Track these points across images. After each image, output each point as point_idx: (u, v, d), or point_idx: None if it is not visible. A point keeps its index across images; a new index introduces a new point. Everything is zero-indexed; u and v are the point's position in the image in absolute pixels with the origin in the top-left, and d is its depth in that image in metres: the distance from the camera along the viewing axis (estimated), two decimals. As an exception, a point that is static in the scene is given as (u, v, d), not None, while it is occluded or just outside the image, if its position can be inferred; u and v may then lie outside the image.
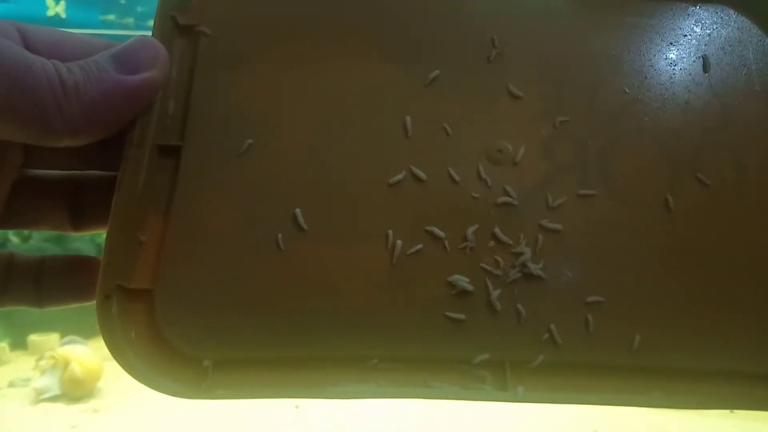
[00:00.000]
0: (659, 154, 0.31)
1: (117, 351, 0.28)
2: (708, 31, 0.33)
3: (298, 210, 0.30)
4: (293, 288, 0.29)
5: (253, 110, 0.31)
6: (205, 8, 0.33)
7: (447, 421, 1.32)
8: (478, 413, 1.31)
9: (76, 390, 1.41)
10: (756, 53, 0.33)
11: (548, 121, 0.32)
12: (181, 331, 0.29)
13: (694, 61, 0.32)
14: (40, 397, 1.38)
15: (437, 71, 0.32)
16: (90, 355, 1.45)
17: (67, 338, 1.50)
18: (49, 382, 1.37)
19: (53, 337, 1.80)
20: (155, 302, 0.29)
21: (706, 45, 0.33)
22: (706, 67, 0.33)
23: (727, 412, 1.33)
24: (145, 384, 0.28)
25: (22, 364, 1.73)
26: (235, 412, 1.37)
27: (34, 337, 1.85)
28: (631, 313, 0.29)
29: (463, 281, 0.29)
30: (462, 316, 0.29)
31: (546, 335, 0.29)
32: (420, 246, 0.30)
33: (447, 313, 0.29)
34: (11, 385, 1.52)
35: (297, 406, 1.38)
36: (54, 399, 1.41)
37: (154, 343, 0.28)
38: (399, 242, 0.30)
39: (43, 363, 1.43)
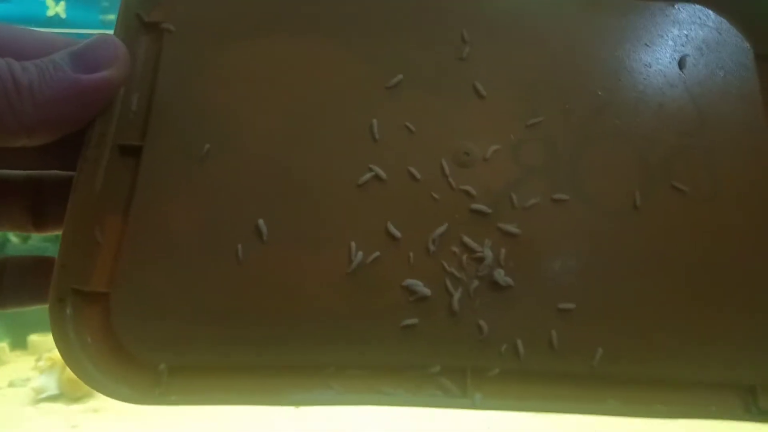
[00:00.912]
0: (632, 158, 0.31)
1: (70, 356, 0.27)
2: (685, 32, 0.32)
3: (258, 216, 0.29)
4: (252, 294, 0.29)
5: (215, 112, 0.31)
6: (172, 5, 0.32)
7: (448, 425, 1.32)
8: (480, 418, 1.31)
9: (75, 390, 1.41)
10: (733, 55, 0.32)
11: (518, 123, 0.31)
12: (137, 336, 0.28)
13: (669, 63, 0.32)
14: (39, 397, 1.38)
15: (404, 72, 0.31)
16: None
17: (65, 338, 1.49)
18: (47, 382, 1.37)
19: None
20: (111, 306, 0.28)
21: (682, 46, 0.32)
22: (681, 68, 0.32)
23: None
24: (99, 390, 0.27)
25: (22, 364, 1.73)
26: (234, 413, 1.37)
27: (34, 337, 1.86)
28: (597, 321, 0.29)
29: (419, 286, 0.29)
30: (417, 322, 0.28)
31: (506, 345, 0.28)
32: (380, 251, 0.29)
33: (405, 320, 0.29)
34: (11, 385, 1.53)
35: (297, 406, 1.38)
36: (53, 399, 1.41)
37: (108, 348, 0.28)
38: (358, 247, 0.29)
39: (41, 364, 1.43)
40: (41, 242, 1.89)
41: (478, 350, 0.28)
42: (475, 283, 0.29)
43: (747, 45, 0.32)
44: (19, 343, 1.86)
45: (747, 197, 0.30)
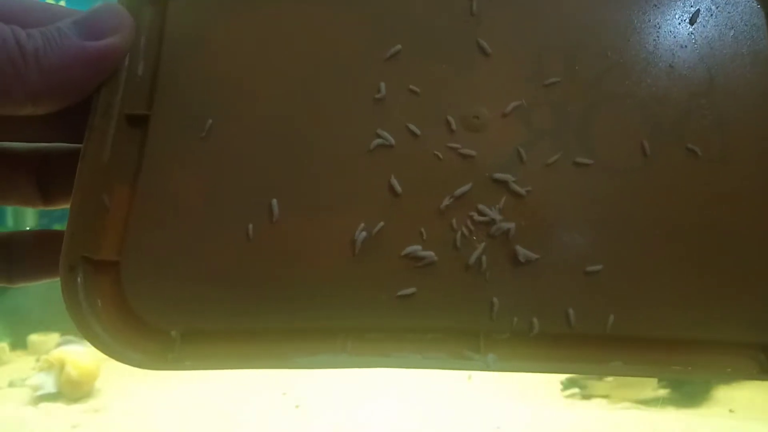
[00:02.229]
0: (643, 120, 0.30)
1: (82, 324, 0.27)
2: None
3: (267, 185, 0.29)
4: (261, 261, 0.29)
5: (221, 80, 0.31)
6: None
7: (450, 420, 1.32)
8: (481, 412, 1.31)
9: (74, 391, 1.41)
10: (744, 14, 0.31)
11: (527, 86, 0.31)
12: (149, 303, 0.28)
13: (679, 24, 0.31)
14: (35, 394, 1.38)
15: (411, 35, 0.31)
16: (86, 355, 1.45)
17: (63, 338, 1.50)
18: (44, 379, 1.37)
19: (53, 337, 1.80)
20: (122, 274, 0.28)
21: (692, 6, 0.32)
22: (691, 28, 0.32)
23: (727, 412, 1.31)
24: (112, 356, 0.27)
25: (22, 364, 1.73)
26: (234, 412, 1.37)
27: (34, 337, 1.85)
28: (611, 284, 0.28)
29: (429, 252, 0.28)
30: (426, 287, 0.28)
31: (517, 318, 0.28)
32: (390, 217, 0.29)
33: (415, 285, 0.28)
34: (11, 385, 1.52)
35: (297, 406, 1.38)
36: (54, 399, 1.41)
37: (120, 315, 0.28)
38: (368, 213, 0.29)
39: (39, 365, 1.43)
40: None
41: (489, 317, 0.28)
42: (485, 247, 0.29)
43: (757, 5, 0.32)
44: (19, 343, 1.86)
45: (759, 158, 0.30)
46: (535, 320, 0.28)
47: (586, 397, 1.32)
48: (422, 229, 0.29)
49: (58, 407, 1.39)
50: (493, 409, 1.33)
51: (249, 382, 1.53)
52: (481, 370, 0.27)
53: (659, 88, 0.31)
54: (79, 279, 0.28)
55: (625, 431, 1.17)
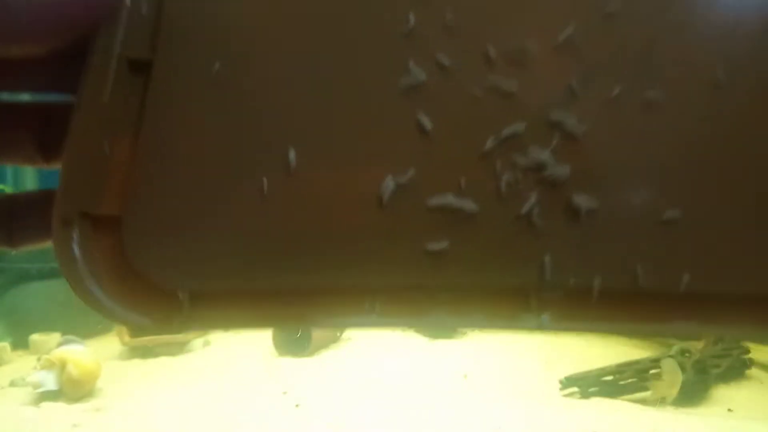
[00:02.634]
0: (710, 52, 0.27)
1: (79, 286, 0.26)
2: None
3: (284, 135, 0.27)
4: (278, 214, 0.27)
5: (232, 20, 0.28)
6: None
7: (451, 421, 1.32)
8: (480, 412, 1.31)
9: (75, 391, 1.41)
10: None
11: (579, 13, 0.27)
12: (154, 262, 0.26)
13: None
14: (36, 391, 1.38)
15: None
16: (87, 355, 1.45)
17: (64, 338, 1.50)
18: (44, 377, 1.37)
19: (54, 337, 1.81)
20: (124, 230, 0.26)
21: None
22: None
23: (725, 411, 1.31)
24: (114, 320, 0.26)
25: (23, 364, 1.74)
26: (234, 412, 1.37)
27: (35, 337, 1.86)
28: (686, 237, 0.26)
29: (468, 202, 0.26)
30: (466, 240, 0.26)
31: (574, 279, 0.25)
32: (422, 164, 0.26)
33: (453, 238, 0.26)
34: (12, 384, 1.53)
35: (297, 405, 1.38)
36: (55, 398, 1.41)
37: (122, 275, 0.26)
38: (397, 162, 0.27)
39: (40, 363, 1.43)
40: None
41: (541, 275, 0.26)
42: (536, 196, 0.26)
43: None
44: (20, 343, 1.87)
45: None
46: (596, 279, 0.25)
47: (585, 396, 1.33)
48: (459, 177, 0.26)
49: (59, 407, 1.39)
50: (492, 409, 1.33)
51: (249, 382, 1.53)
52: (532, 330, 0.25)
53: (730, 18, 0.27)
54: (75, 236, 0.26)
55: (624, 430, 1.17)
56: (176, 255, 0.27)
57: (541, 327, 0.25)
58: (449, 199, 0.26)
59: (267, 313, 0.27)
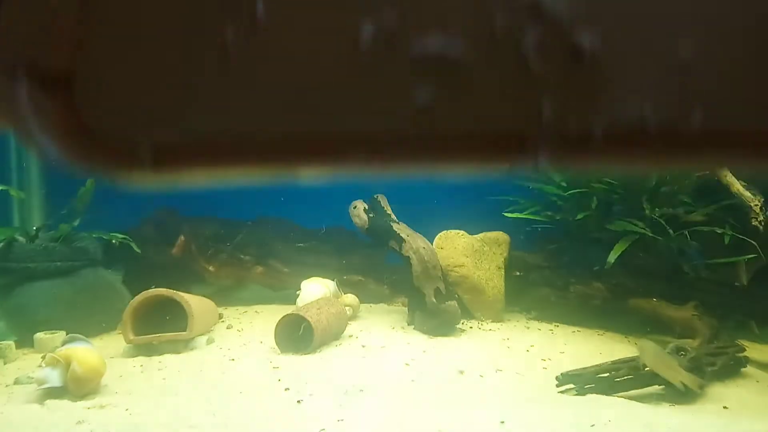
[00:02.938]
0: None
1: (32, 142, 0.25)
2: None
3: None
4: (247, 62, 0.24)
5: None
6: None
7: (454, 415, 1.33)
8: (484, 406, 1.32)
9: (80, 388, 1.42)
10: None
11: None
12: (110, 118, 0.25)
13: None
14: (40, 388, 1.39)
15: None
16: (91, 352, 1.47)
17: (69, 336, 1.51)
18: (48, 373, 1.38)
19: (59, 335, 1.82)
20: (77, 88, 0.25)
21: None
22: None
23: (720, 408, 1.32)
24: (82, 174, 0.25)
25: (28, 362, 1.75)
26: (238, 407, 1.38)
27: (40, 335, 1.87)
28: (695, 76, 0.23)
29: (455, 48, 0.24)
30: (455, 87, 0.24)
31: (575, 119, 0.23)
32: (404, 3, 0.24)
33: (439, 84, 0.24)
34: (17, 382, 1.54)
35: (299, 401, 1.40)
36: (60, 395, 1.42)
37: (77, 132, 0.25)
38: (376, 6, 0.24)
39: (45, 360, 1.45)
40: (48, 242, 1.91)
41: (538, 118, 0.24)
42: (533, 35, 0.23)
43: None
44: (25, 341, 1.87)
45: None
46: (597, 119, 0.23)
47: (581, 393, 1.34)
48: (446, 18, 0.23)
49: (64, 403, 1.41)
50: (495, 403, 1.35)
51: (252, 379, 1.54)
52: (529, 170, 0.23)
53: None
54: (24, 93, 0.24)
55: (620, 427, 1.19)
56: (135, 108, 0.25)
57: (538, 167, 0.23)
58: (438, 43, 0.23)
59: (240, 158, 0.25)
